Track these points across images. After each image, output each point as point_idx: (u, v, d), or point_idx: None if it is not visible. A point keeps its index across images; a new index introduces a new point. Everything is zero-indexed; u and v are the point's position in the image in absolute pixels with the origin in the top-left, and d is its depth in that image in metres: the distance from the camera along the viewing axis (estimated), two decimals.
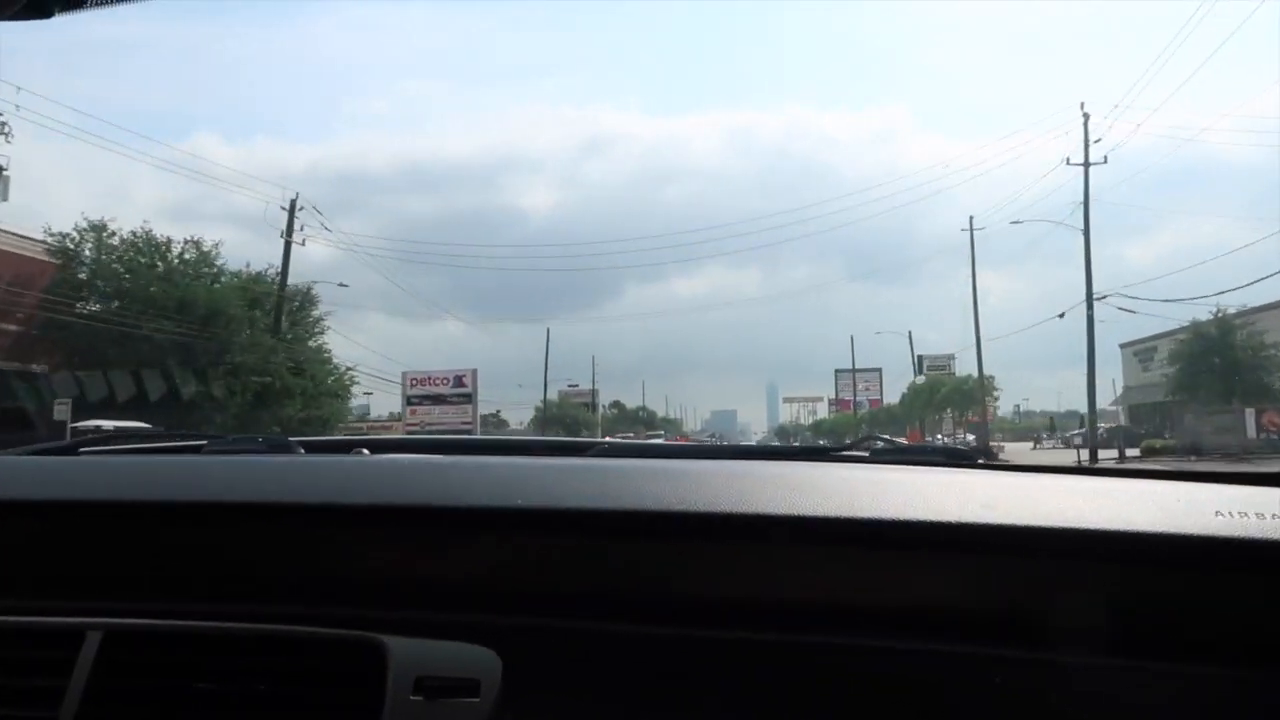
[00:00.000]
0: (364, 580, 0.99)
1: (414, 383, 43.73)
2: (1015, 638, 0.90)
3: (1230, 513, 0.92)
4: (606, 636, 0.95)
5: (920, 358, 56.68)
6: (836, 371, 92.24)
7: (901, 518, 0.92)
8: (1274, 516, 0.91)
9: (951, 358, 52.98)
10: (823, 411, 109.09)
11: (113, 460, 1.42)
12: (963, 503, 0.97)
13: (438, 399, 43.59)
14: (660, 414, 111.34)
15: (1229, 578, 0.90)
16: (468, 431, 41.78)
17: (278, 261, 30.22)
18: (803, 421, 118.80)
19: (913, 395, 57.88)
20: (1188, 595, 0.91)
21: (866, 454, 1.47)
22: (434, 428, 41.28)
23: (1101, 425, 37.23)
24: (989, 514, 0.93)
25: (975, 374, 42.97)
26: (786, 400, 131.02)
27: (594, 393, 71.50)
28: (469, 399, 43.46)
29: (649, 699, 0.92)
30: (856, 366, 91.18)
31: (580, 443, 1.70)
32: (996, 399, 45.13)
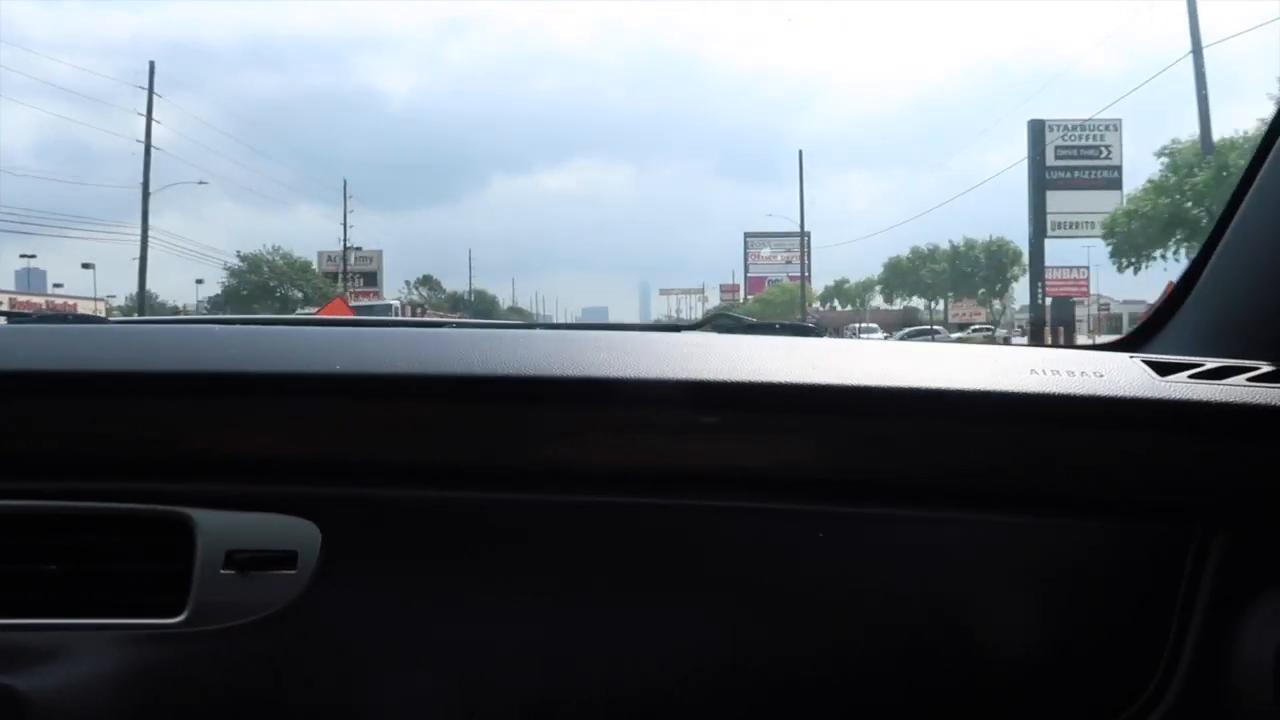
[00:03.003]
0: (172, 453, 0.93)
1: None
2: (846, 494, 0.94)
3: (1043, 370, 0.96)
4: (430, 505, 0.93)
5: (1044, 124, 24.64)
6: (747, 236, 66.10)
7: (729, 379, 0.92)
8: (1083, 374, 0.95)
9: (1111, 126, 24.53)
10: (714, 300, 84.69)
11: None
12: (792, 364, 0.96)
13: None
14: (505, 302, 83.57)
15: (1043, 430, 0.93)
16: None
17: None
18: (684, 315, 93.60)
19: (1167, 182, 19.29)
20: (1005, 449, 0.94)
21: (713, 330, 1.44)
22: None
23: None
24: (817, 374, 0.94)
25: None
26: (663, 292, 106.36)
27: (345, 255, 42.31)
28: None
29: (474, 567, 0.92)
30: (767, 233, 65.47)
31: (430, 321, 1.50)
32: None
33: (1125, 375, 0.96)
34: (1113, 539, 0.93)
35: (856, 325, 40.34)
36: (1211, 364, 0.98)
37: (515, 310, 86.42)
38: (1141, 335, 1.19)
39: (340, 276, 41.58)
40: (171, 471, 0.92)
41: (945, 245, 34.79)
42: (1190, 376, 0.96)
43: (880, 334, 37.21)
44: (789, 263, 63.46)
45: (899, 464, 0.94)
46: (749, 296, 63.49)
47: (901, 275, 39.46)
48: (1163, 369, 0.98)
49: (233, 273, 35.53)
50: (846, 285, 48.30)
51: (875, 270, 43.71)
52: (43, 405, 0.91)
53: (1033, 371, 0.95)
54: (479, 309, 66.02)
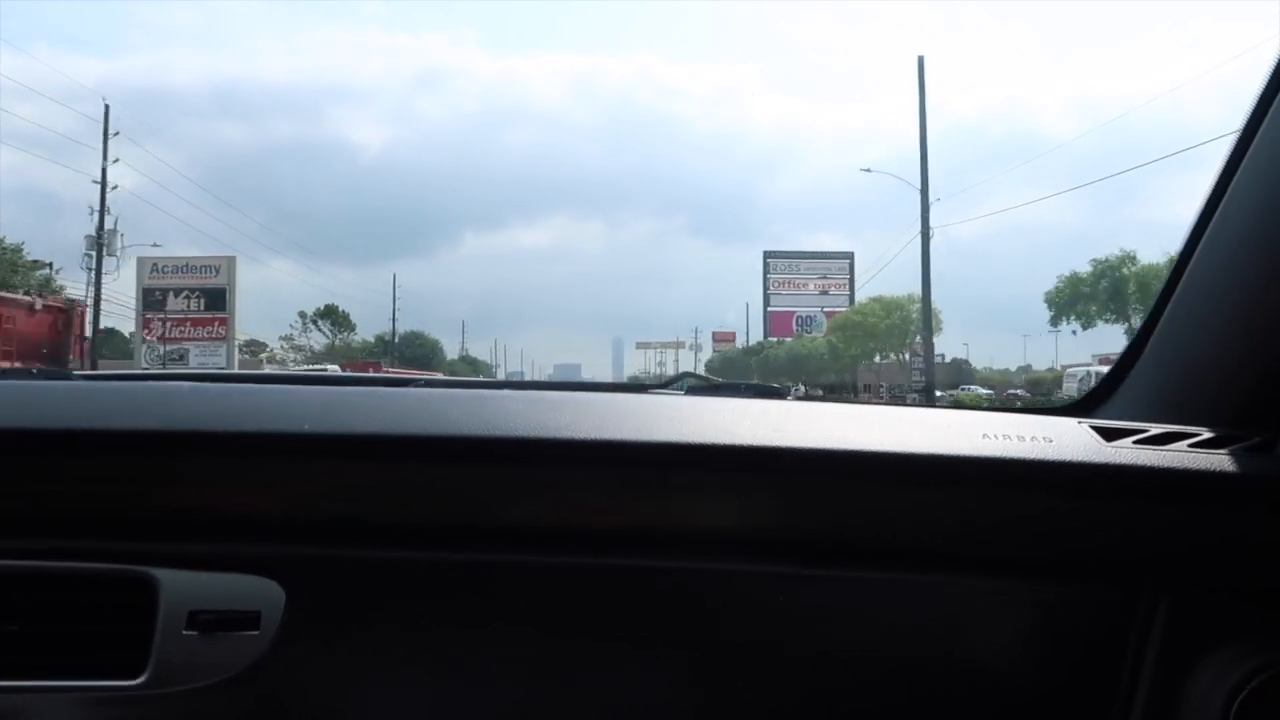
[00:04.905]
0: (135, 512, 0.92)
1: None
2: (806, 556, 0.94)
3: (995, 435, 0.98)
4: (397, 566, 0.92)
5: None
6: (768, 256, 50.25)
7: (693, 440, 0.93)
8: (1033, 439, 0.97)
9: None
10: (707, 351, 69.33)
11: None
12: (756, 426, 0.97)
13: None
14: (453, 352, 67.54)
15: (994, 494, 0.95)
16: None
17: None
18: (666, 370, 77.65)
19: None
20: (958, 512, 0.95)
21: (682, 390, 1.41)
22: None
23: None
24: (778, 437, 0.95)
25: None
26: (640, 346, 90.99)
27: (101, 240, 25.53)
28: None
29: (441, 629, 0.92)
30: (796, 252, 49.76)
31: (405, 378, 1.48)
32: None
33: (1073, 440, 0.98)
34: (1062, 601, 0.95)
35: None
36: (1155, 430, 1.01)
37: (467, 361, 70.54)
38: (1091, 401, 1.21)
39: (95, 277, 24.73)
40: (134, 530, 0.90)
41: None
42: (1135, 442, 0.99)
43: None
44: (825, 292, 47.43)
45: (855, 527, 0.95)
46: (774, 339, 47.13)
47: None
48: (1109, 434, 1.00)
49: None
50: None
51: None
52: (3, 462, 0.88)
53: (985, 436, 0.97)
54: (414, 357, 49.78)
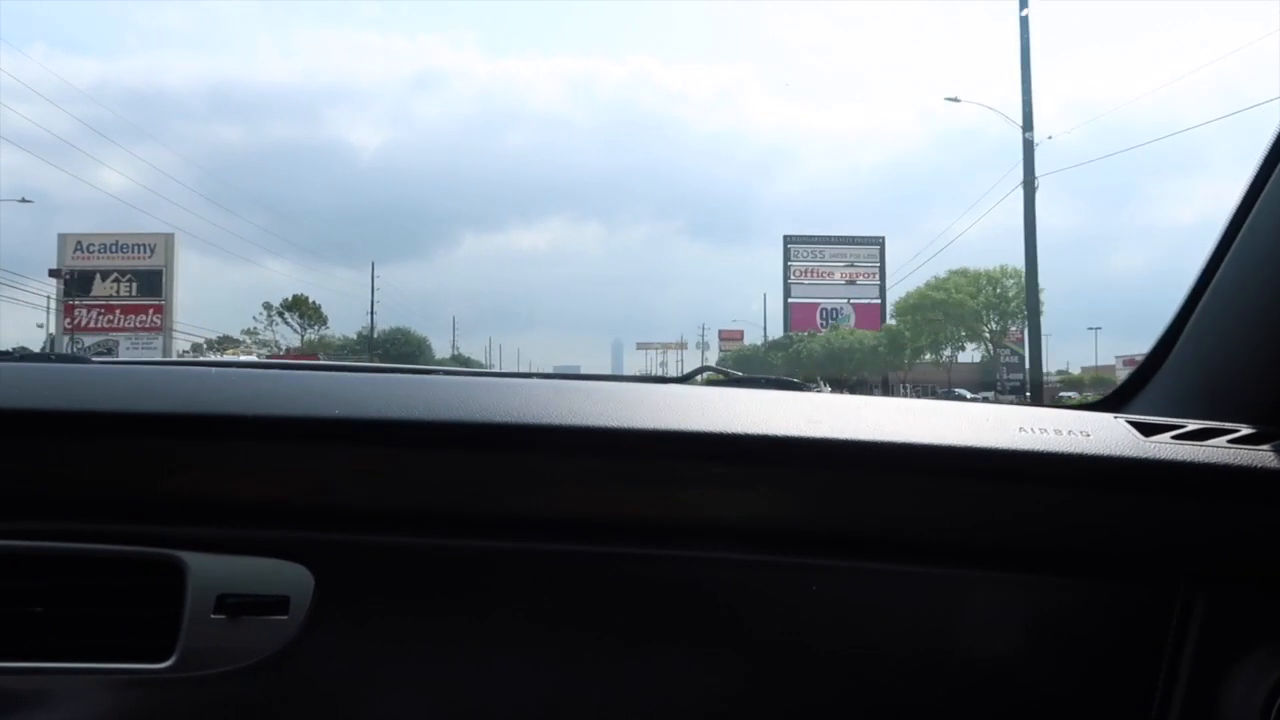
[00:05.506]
0: (164, 495, 0.91)
1: None
2: (838, 548, 0.93)
3: (1032, 429, 0.97)
4: (425, 553, 0.92)
5: None
6: (788, 241, 45.52)
7: (727, 430, 0.92)
8: (1070, 433, 0.96)
9: None
10: (714, 351, 64.96)
11: None
12: (787, 417, 0.96)
13: None
14: (443, 350, 62.90)
15: (1032, 488, 0.94)
16: None
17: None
18: (669, 372, 72.91)
19: None
20: (994, 506, 0.94)
21: (701, 383, 1.42)
22: None
23: None
24: (812, 428, 0.94)
25: None
26: (640, 346, 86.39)
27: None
28: None
29: (468, 615, 0.91)
30: (822, 237, 45.10)
31: (426, 369, 1.41)
32: None
33: (1112, 435, 0.97)
34: (1098, 596, 0.94)
35: None
36: (1193, 425, 1.01)
37: (459, 360, 65.84)
38: (1122, 396, 1.20)
39: None
40: (163, 513, 0.90)
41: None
42: (1174, 438, 0.98)
43: None
44: (853, 282, 42.67)
45: (890, 519, 0.94)
46: (804, 332, 42.38)
47: None
48: (1146, 429, 0.99)
49: None
50: None
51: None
52: (32, 445, 0.88)
53: (1021, 429, 0.96)
54: (399, 355, 45.09)
